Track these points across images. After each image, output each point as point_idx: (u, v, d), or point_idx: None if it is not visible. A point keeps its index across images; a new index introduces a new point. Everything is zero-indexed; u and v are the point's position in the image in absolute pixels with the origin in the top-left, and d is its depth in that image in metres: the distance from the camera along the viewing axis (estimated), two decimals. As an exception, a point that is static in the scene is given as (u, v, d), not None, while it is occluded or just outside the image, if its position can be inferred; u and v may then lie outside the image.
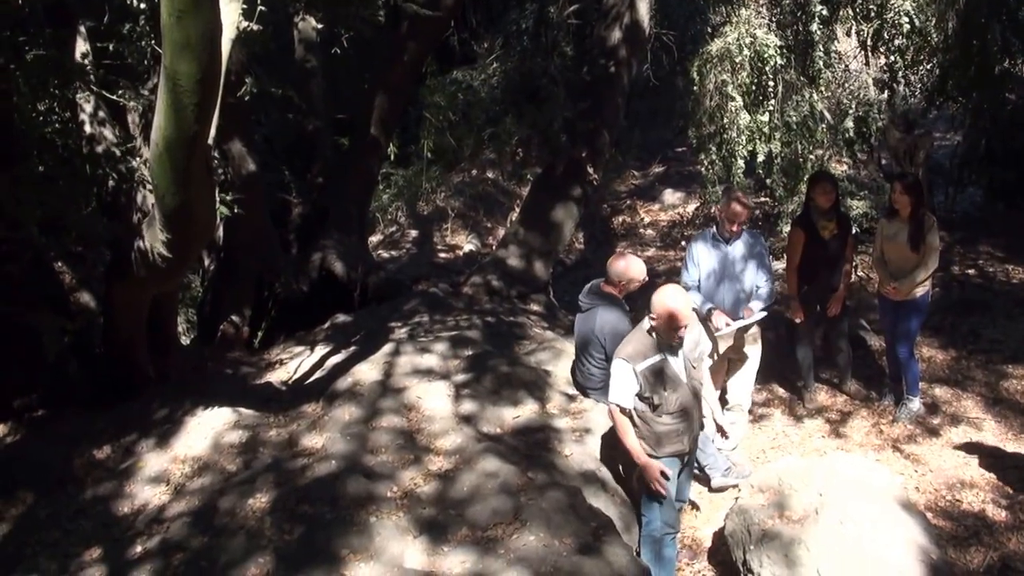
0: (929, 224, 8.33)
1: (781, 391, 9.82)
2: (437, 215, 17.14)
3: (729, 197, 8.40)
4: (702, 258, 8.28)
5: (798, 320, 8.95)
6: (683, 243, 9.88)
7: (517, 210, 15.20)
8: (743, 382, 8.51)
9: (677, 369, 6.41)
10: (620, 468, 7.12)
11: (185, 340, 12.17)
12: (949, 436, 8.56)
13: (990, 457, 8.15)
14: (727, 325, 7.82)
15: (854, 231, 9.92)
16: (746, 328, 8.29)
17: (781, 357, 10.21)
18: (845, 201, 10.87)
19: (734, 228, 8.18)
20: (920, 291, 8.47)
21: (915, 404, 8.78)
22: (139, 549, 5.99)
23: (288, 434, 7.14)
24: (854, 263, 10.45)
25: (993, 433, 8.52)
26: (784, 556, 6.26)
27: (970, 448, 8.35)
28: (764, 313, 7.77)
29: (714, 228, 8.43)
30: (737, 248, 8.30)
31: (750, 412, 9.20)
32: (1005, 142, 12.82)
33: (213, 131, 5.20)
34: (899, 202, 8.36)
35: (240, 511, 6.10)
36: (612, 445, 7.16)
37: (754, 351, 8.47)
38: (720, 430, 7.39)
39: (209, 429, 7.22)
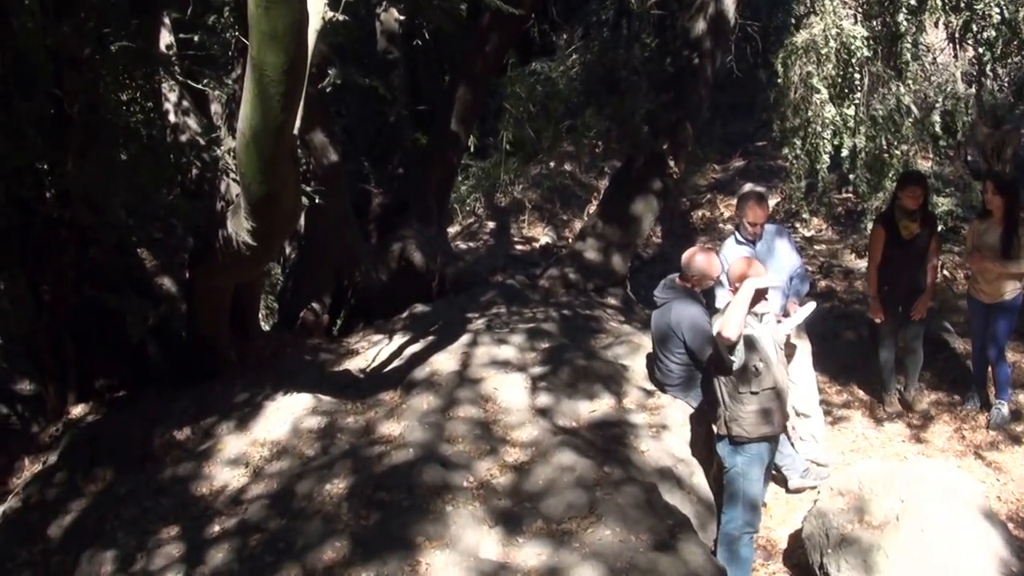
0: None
1: (861, 393, 9.70)
2: (514, 207, 17.15)
3: (746, 200, 8.23)
4: None
5: (878, 320, 8.78)
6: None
7: (594, 203, 15.19)
8: (805, 377, 8.35)
9: (767, 346, 6.36)
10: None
11: (265, 326, 12.31)
12: None
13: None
14: (779, 323, 7.61)
15: (939, 229, 9.76)
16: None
17: (863, 359, 10.10)
18: (931, 198, 10.69)
19: (755, 230, 8.04)
20: (1009, 293, 8.28)
21: (1005, 408, 8.60)
22: (217, 529, 6.07)
23: (365, 421, 7.18)
24: (939, 263, 10.30)
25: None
26: (863, 562, 6.20)
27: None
28: (814, 305, 7.60)
29: (736, 233, 8.29)
30: (763, 247, 8.15)
31: (828, 414, 9.10)
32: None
33: (298, 121, 5.24)
34: (992, 202, 8.21)
35: (317, 495, 6.16)
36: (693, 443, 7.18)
37: (803, 344, 8.31)
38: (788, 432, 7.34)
39: (288, 414, 7.28)
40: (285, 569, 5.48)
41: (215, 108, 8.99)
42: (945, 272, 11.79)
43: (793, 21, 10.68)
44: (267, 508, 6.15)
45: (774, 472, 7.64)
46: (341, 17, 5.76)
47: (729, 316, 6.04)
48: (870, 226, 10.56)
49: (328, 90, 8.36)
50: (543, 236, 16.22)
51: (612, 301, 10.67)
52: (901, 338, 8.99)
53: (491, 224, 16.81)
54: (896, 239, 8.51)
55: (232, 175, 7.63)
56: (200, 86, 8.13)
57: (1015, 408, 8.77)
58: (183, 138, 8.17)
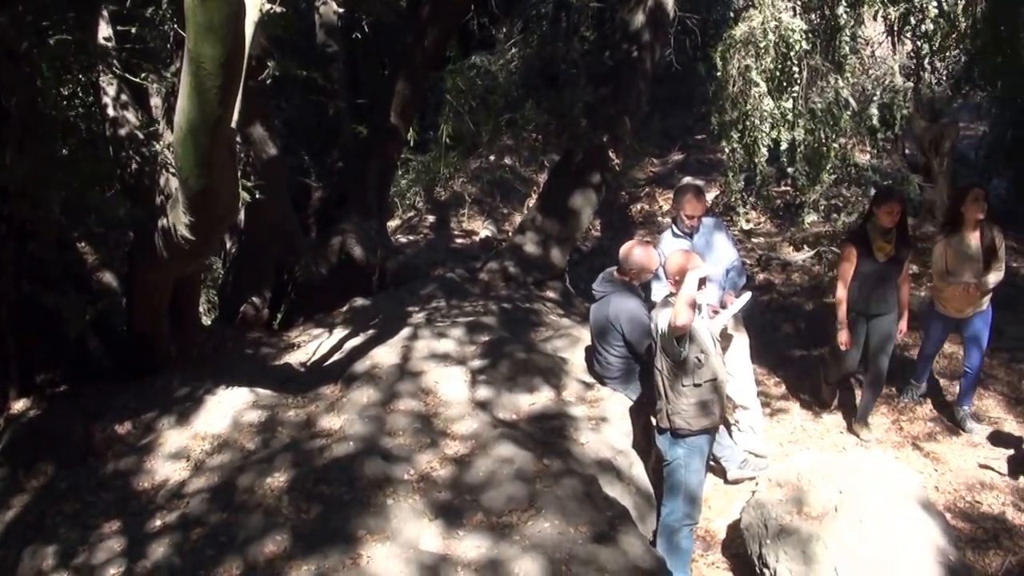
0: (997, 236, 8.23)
1: (800, 383, 9.82)
2: (454, 201, 17.17)
3: (683, 193, 8.26)
4: None
5: (844, 348, 8.56)
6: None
7: (534, 197, 15.24)
8: (742, 369, 8.44)
9: (706, 338, 6.45)
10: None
11: (206, 320, 12.26)
12: (969, 435, 8.56)
13: (1011, 458, 8.17)
14: (715, 315, 7.54)
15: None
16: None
17: (801, 351, 10.25)
18: (869, 191, 10.77)
19: (693, 223, 8.11)
20: (987, 303, 8.40)
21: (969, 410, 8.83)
22: (158, 523, 6.07)
23: (306, 415, 7.20)
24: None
25: (1015, 433, 8.50)
26: (801, 552, 6.30)
27: (990, 448, 8.36)
28: (749, 295, 7.66)
29: (674, 226, 8.34)
30: (701, 240, 8.21)
31: (767, 405, 9.21)
32: (1032, 133, 12.73)
33: (236, 114, 5.23)
34: (978, 212, 8.14)
35: (258, 489, 6.18)
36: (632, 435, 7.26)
37: (741, 336, 8.40)
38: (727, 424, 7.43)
39: (228, 408, 7.29)
40: (226, 563, 5.51)
41: (155, 102, 8.91)
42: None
43: (732, 14, 10.78)
44: (208, 502, 6.17)
45: (713, 463, 7.73)
46: (279, 9, 5.76)
47: (679, 307, 6.10)
48: (809, 219, 10.67)
49: (268, 83, 8.33)
50: (483, 230, 16.24)
51: (551, 294, 10.73)
52: (862, 362, 8.90)
53: (431, 218, 16.81)
54: (869, 259, 8.27)
55: (171, 169, 7.59)
56: (139, 80, 8.08)
57: (950, 399, 8.93)
58: (122, 132, 8.11)
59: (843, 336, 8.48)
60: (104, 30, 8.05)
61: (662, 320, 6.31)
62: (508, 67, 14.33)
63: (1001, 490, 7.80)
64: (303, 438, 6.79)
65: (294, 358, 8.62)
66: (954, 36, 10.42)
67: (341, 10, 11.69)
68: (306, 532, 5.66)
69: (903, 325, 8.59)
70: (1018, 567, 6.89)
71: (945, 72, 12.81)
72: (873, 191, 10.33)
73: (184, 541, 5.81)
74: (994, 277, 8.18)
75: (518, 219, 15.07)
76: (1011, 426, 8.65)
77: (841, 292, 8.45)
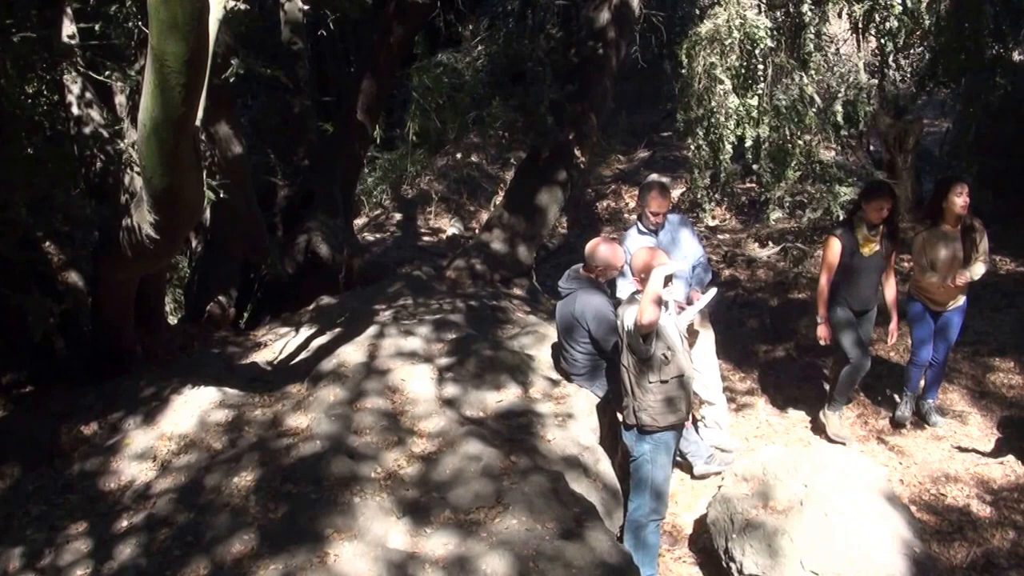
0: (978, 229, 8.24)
1: (766, 379, 9.89)
2: (421, 198, 17.20)
3: (648, 190, 8.28)
4: None
5: (824, 342, 8.50)
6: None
7: (501, 194, 15.27)
8: (708, 364, 8.48)
9: (672, 334, 6.48)
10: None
11: (172, 320, 12.21)
12: (934, 429, 8.64)
13: (975, 451, 8.26)
14: (681, 311, 7.53)
15: (842, 218, 9.89)
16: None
17: (767, 346, 10.29)
18: (834, 187, 10.83)
19: (658, 220, 8.16)
20: (963, 297, 8.40)
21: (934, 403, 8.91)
22: (125, 524, 6.03)
23: (273, 414, 7.17)
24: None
25: (978, 427, 8.63)
26: (767, 546, 6.36)
27: (955, 441, 8.44)
28: (714, 291, 7.70)
29: (639, 223, 8.38)
30: (667, 236, 8.26)
31: (732, 401, 9.27)
32: (995, 129, 12.84)
33: (200, 113, 5.22)
34: (962, 206, 8.13)
35: (225, 489, 6.15)
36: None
37: (707, 332, 8.44)
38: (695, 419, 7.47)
39: (195, 407, 7.24)
40: (193, 563, 5.47)
41: (119, 100, 8.87)
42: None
43: (698, 12, 10.81)
44: (175, 502, 6.13)
45: (679, 459, 7.77)
46: (242, 6, 5.75)
47: (645, 305, 6.11)
48: (774, 216, 10.71)
49: (231, 80, 8.30)
50: (450, 227, 16.27)
51: (518, 292, 10.75)
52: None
53: (398, 215, 16.83)
54: (854, 254, 8.20)
55: (136, 168, 7.55)
56: (103, 78, 8.04)
57: (916, 394, 8.98)
58: (87, 131, 8.06)
59: (822, 331, 8.42)
60: (68, 28, 8.01)
61: (628, 317, 6.33)
62: (475, 65, 14.34)
63: (966, 482, 7.87)
64: (270, 437, 6.77)
65: (261, 357, 8.59)
66: (918, 34, 10.52)
67: (306, 7, 11.64)
68: (273, 531, 5.64)
69: (894, 327, 8.53)
70: (983, 558, 6.96)
71: (909, 69, 12.92)
72: (836, 186, 10.41)
73: (151, 542, 5.77)
74: (979, 269, 8.17)
75: (485, 216, 15.09)
76: (975, 419, 8.73)
77: (824, 283, 8.35)
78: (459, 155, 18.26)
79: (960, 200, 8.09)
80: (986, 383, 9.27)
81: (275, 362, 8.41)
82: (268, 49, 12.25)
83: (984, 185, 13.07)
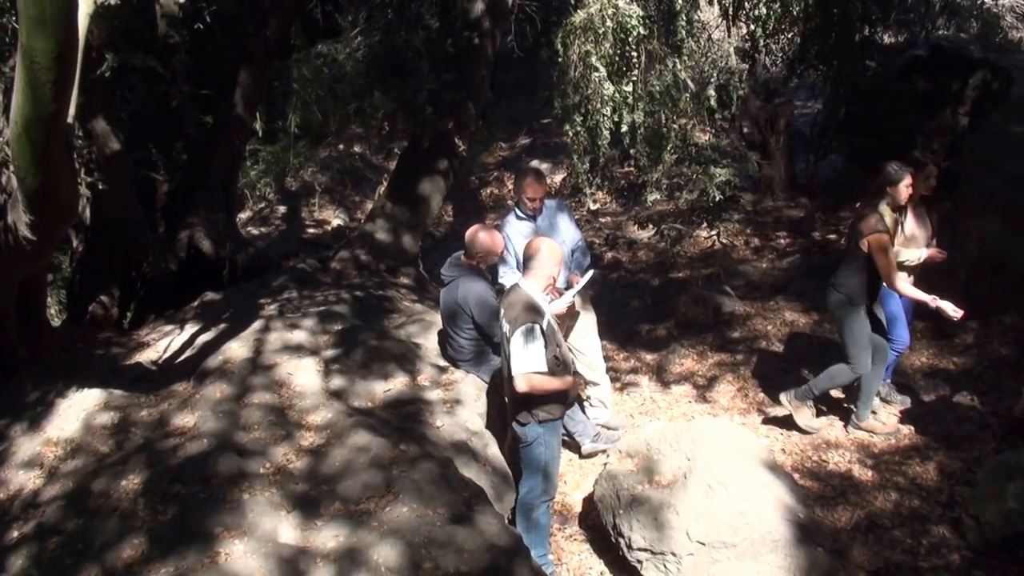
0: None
1: (648, 357, 10.08)
2: (305, 190, 17.14)
3: (524, 177, 8.41)
4: (515, 239, 8.19)
5: (958, 315, 7.45)
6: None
7: (384, 184, 15.25)
8: (591, 345, 8.62)
9: (555, 325, 6.58)
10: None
11: (56, 321, 12.00)
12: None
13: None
14: (559, 295, 7.57)
15: (718, 199, 10.10)
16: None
17: (648, 325, 10.43)
18: (709, 169, 10.93)
19: (535, 205, 8.26)
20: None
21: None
22: (15, 534, 5.95)
23: (159, 414, 7.11)
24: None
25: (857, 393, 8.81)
26: (654, 520, 6.49)
27: (834, 409, 8.67)
28: (592, 272, 7.81)
29: (516, 209, 8.48)
30: (545, 221, 8.37)
31: (616, 380, 9.41)
32: (865, 109, 13.23)
33: (73, 109, 5.17)
34: (926, 189, 8.16)
35: (113, 493, 6.08)
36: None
37: (588, 314, 8.56)
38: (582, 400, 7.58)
39: (80, 411, 7.15)
40: (84, 571, 5.41)
41: (-5, 97, 8.72)
42: (723, 240, 12.28)
43: (572, 1, 10.90)
44: (64, 509, 6.05)
45: (566, 438, 7.87)
46: (113, 1, 5.70)
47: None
48: (652, 198, 10.83)
49: (107, 75, 8.19)
50: (335, 219, 16.23)
51: (404, 280, 10.77)
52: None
53: (282, 208, 16.75)
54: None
55: (10, 167, 7.44)
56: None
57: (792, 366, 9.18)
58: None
59: (950, 306, 7.42)
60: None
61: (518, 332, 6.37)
62: (354, 56, 14.29)
63: (847, 448, 8.12)
64: (156, 438, 6.71)
65: (145, 356, 8.49)
66: (787, 19, 10.73)
67: (182, 0, 11.49)
68: (163, 534, 5.60)
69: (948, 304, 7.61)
70: (866, 519, 7.18)
71: (780, 53, 13.21)
72: (710, 167, 10.58)
73: (41, 551, 5.70)
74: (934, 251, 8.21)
75: (369, 207, 15.07)
76: (853, 386, 8.96)
77: (903, 286, 7.70)
78: (341, 146, 18.21)
79: (925, 185, 8.21)
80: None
81: (160, 361, 8.33)
82: (147, 43, 12.11)
83: (856, 163, 13.48)
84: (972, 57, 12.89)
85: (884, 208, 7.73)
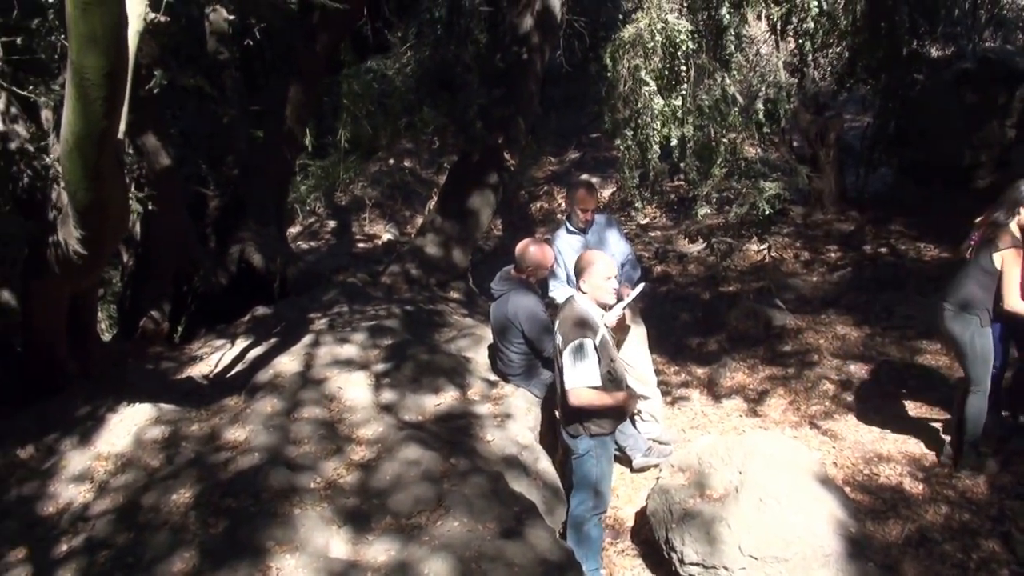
0: None
1: (699, 371, 10.01)
2: (355, 205, 17.17)
3: (576, 188, 8.42)
4: (566, 253, 8.21)
5: None
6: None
7: (434, 199, 15.29)
8: (642, 358, 8.57)
9: (609, 339, 6.55)
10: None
11: (107, 336, 12.09)
12: (865, 411, 8.77)
13: (906, 431, 8.39)
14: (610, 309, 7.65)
15: (767, 212, 10.02)
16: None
17: (699, 339, 10.35)
18: (759, 183, 10.92)
19: (587, 217, 8.26)
20: None
21: None
22: (64, 548, 5.96)
23: (210, 428, 7.13)
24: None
25: (908, 407, 8.71)
26: (706, 534, 6.42)
27: (886, 423, 8.57)
28: (643, 285, 7.76)
29: (567, 223, 8.48)
30: (594, 236, 8.35)
31: (667, 394, 9.35)
32: (914, 122, 13.15)
33: (123, 125, 5.19)
34: None
35: (164, 507, 6.09)
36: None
37: (638, 328, 8.52)
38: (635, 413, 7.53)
39: (131, 425, 7.18)
40: (134, 583, 5.44)
41: (45, 115, 8.80)
42: (773, 254, 12.18)
43: (620, 16, 10.88)
44: (114, 523, 6.06)
45: (618, 453, 7.82)
46: (163, 18, 5.72)
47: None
48: (702, 212, 10.77)
49: (156, 92, 8.25)
50: (385, 233, 16.26)
51: (454, 295, 10.78)
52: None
53: (332, 223, 16.79)
54: None
55: (63, 183, 7.49)
56: (27, 92, 7.96)
57: (846, 379, 9.09)
58: (13, 146, 7.98)
59: None
60: (-9, 43, 7.92)
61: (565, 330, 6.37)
62: (404, 71, 14.35)
63: (898, 461, 8.01)
64: (207, 452, 6.72)
65: (196, 371, 8.53)
66: (835, 33, 10.66)
67: (231, 17, 11.58)
68: (213, 547, 5.59)
69: None
70: (917, 533, 7.08)
71: (829, 67, 13.16)
72: (760, 181, 10.50)
73: (91, 565, 5.70)
74: None
75: (420, 221, 15.10)
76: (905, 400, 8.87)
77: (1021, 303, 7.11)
78: (392, 160, 18.26)
79: None
80: (913, 366, 9.42)
81: (211, 375, 8.36)
82: (197, 59, 12.21)
83: (906, 176, 13.38)
84: (1019, 69, 12.76)
85: (1013, 225, 7.09)
